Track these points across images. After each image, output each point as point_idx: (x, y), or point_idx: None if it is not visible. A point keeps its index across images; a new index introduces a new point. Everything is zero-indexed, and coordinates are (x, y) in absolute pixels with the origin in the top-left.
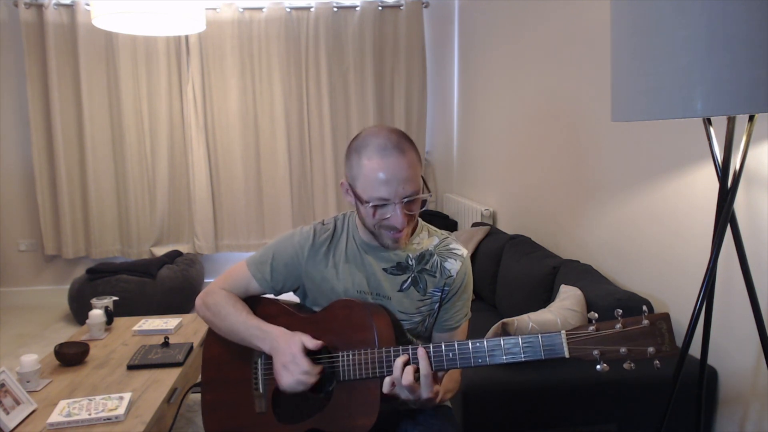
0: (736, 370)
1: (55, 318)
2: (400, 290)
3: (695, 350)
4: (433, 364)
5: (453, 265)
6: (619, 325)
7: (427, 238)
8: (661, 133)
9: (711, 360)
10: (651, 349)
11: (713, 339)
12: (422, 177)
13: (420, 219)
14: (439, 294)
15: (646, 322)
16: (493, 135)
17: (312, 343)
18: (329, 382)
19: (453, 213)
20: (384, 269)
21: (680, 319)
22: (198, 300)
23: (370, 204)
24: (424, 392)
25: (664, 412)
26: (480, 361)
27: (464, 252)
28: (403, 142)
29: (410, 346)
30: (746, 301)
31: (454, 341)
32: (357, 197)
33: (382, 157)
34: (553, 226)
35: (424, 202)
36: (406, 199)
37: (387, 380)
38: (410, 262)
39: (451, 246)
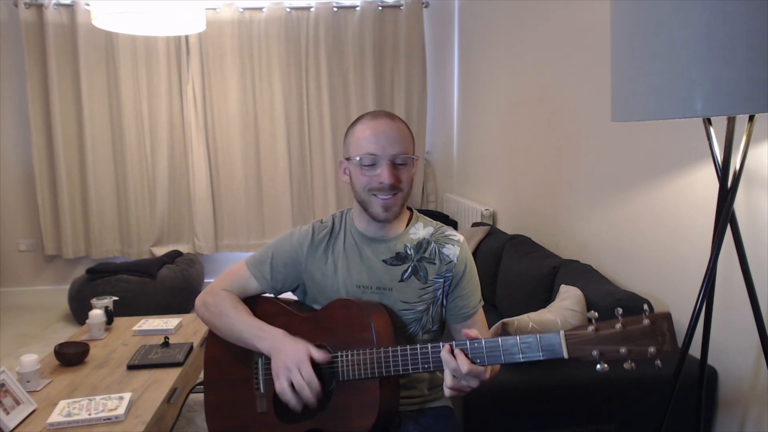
0: (736, 369)
1: (55, 318)
2: (401, 280)
3: (695, 350)
4: (432, 366)
5: (452, 251)
6: (619, 325)
7: (423, 228)
8: (661, 133)
9: (711, 360)
10: (652, 349)
11: (713, 339)
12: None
13: (415, 210)
14: (442, 281)
15: (646, 321)
16: (493, 135)
17: (319, 354)
18: (329, 382)
19: (453, 213)
20: (383, 260)
21: (680, 319)
22: (198, 300)
23: (359, 160)
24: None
25: (664, 412)
26: (478, 361)
27: (461, 237)
28: (395, 116)
29: (408, 347)
30: (746, 301)
31: (452, 342)
32: (349, 161)
33: (372, 120)
34: (553, 226)
35: (413, 164)
36: (393, 156)
37: (448, 381)
38: (409, 252)
39: (447, 233)
